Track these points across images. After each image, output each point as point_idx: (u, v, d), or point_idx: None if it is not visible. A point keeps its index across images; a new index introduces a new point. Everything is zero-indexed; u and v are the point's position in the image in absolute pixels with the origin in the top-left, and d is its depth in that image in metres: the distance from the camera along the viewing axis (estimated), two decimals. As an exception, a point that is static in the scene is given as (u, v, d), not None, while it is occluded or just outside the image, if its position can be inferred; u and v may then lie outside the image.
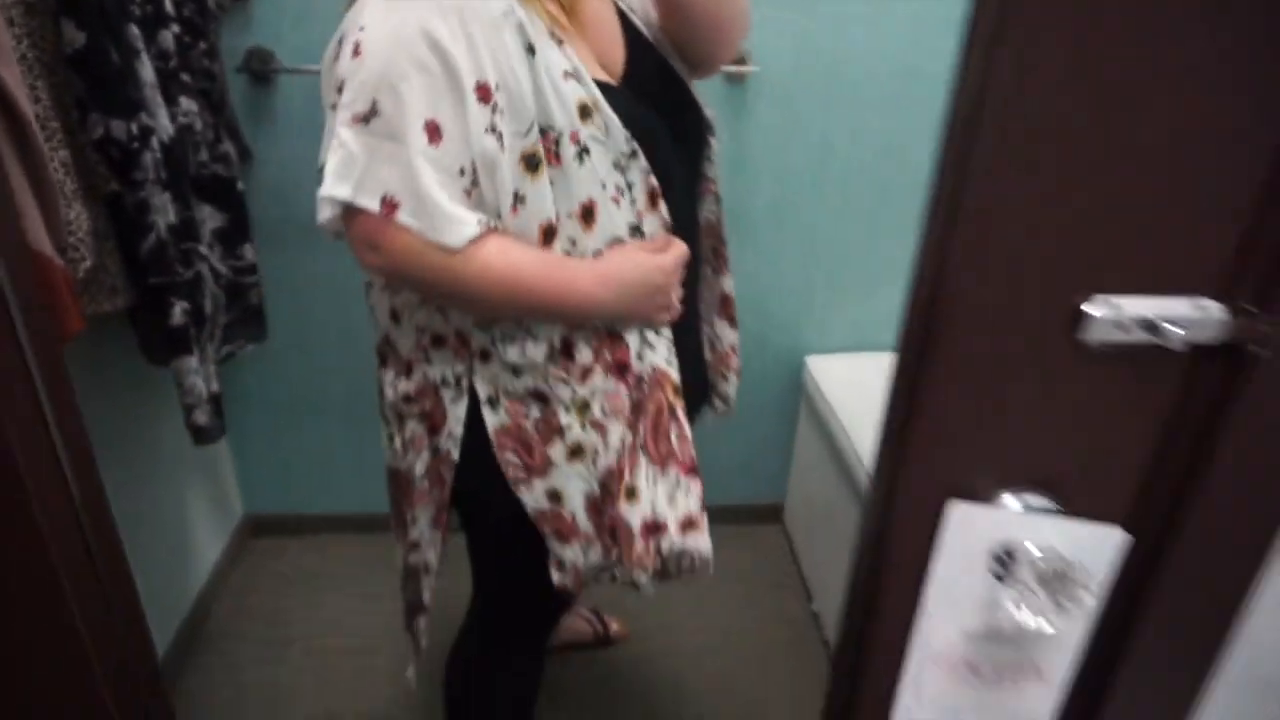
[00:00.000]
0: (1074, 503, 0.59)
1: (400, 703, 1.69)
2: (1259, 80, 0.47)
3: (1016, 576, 0.57)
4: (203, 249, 1.47)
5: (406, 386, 1.02)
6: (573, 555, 1.02)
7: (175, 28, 1.38)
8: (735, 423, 2.06)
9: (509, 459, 0.98)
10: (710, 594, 1.99)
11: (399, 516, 1.12)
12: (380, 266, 0.89)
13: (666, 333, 0.99)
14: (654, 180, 0.93)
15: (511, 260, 0.88)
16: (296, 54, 1.61)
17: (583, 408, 0.97)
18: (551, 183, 0.88)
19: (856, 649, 0.68)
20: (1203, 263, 0.51)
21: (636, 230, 0.94)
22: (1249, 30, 0.45)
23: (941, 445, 0.57)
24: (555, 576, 1.03)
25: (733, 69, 1.66)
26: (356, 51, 0.83)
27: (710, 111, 1.09)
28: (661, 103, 1.00)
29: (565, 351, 0.95)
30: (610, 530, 1.00)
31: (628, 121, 0.90)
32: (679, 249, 0.96)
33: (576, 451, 0.98)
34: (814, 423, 1.94)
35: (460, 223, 0.85)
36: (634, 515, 0.98)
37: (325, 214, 0.87)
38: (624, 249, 0.94)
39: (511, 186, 0.87)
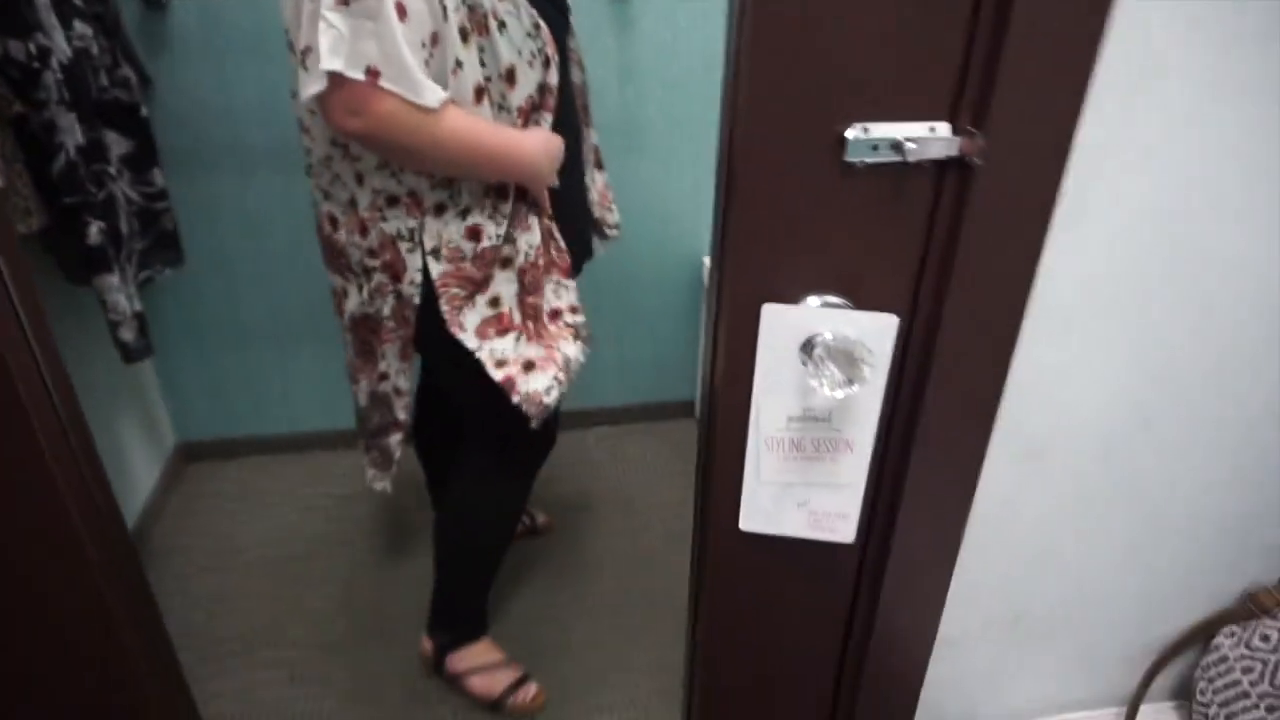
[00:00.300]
0: (863, 299, 0.74)
1: (345, 602, 1.82)
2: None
3: (815, 359, 0.72)
4: (112, 171, 1.52)
5: (366, 243, 1.21)
6: (509, 345, 1.27)
7: (63, -49, 1.41)
8: (642, 325, 2.21)
9: (452, 293, 1.22)
10: (630, 484, 2.16)
11: (367, 355, 1.35)
12: (361, 129, 1.05)
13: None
14: (551, 48, 1.15)
15: (472, 123, 1.10)
16: (188, -24, 1.65)
17: (508, 236, 1.23)
18: (481, 50, 1.09)
19: (708, 442, 0.83)
20: (934, 94, 0.66)
21: (543, 88, 1.17)
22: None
23: (752, 259, 0.71)
24: (496, 374, 1.25)
25: (615, -18, 1.75)
26: None
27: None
28: None
29: (499, 190, 1.20)
30: (531, 314, 1.28)
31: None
32: (560, 139, 1.22)
33: (507, 262, 1.24)
34: (714, 317, 2.09)
35: (432, 89, 1.03)
36: (546, 305, 1.30)
37: (314, 89, 1.02)
38: (539, 130, 1.19)
39: (452, 54, 1.06)
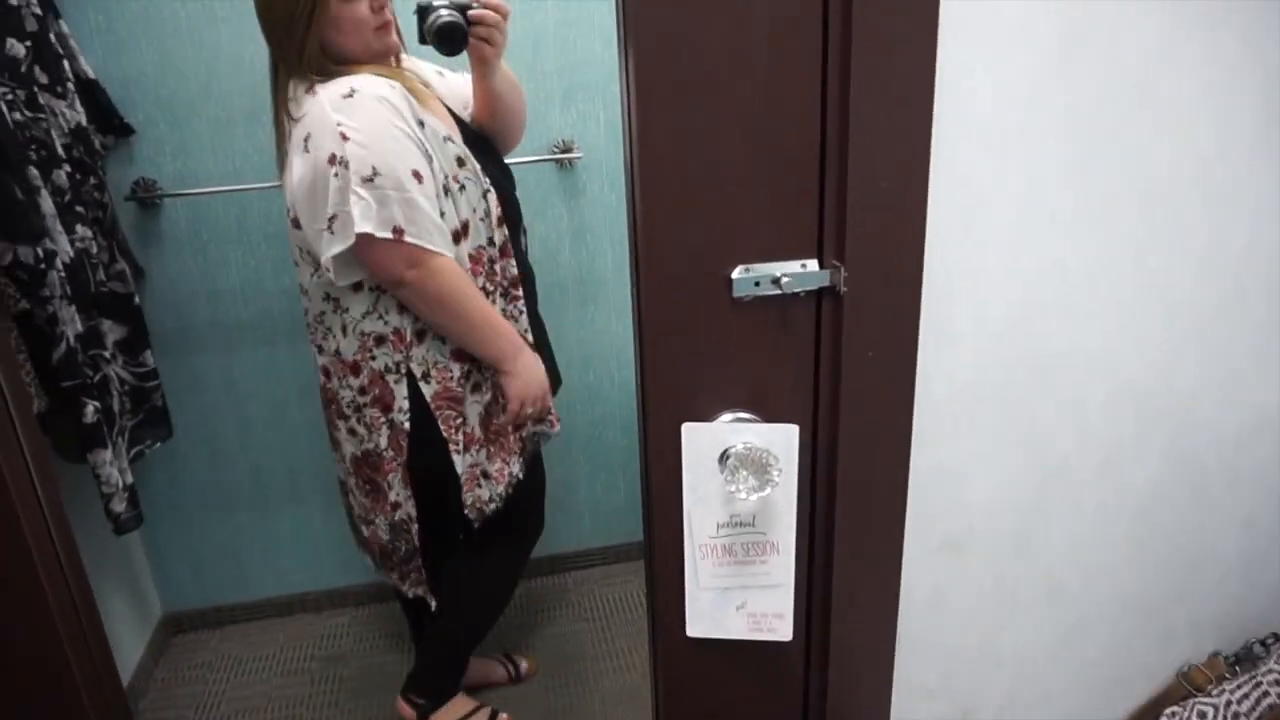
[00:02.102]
0: (770, 413, 0.85)
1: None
2: (798, 127, 0.75)
3: (729, 469, 0.82)
4: (107, 354, 1.65)
5: (357, 382, 1.40)
6: (473, 458, 1.47)
7: (67, 167, 1.58)
8: (614, 467, 2.30)
9: (447, 414, 1.42)
10: (611, 625, 2.18)
11: (376, 492, 1.50)
12: (411, 279, 1.30)
13: (518, 308, 1.52)
14: (498, 208, 1.40)
15: (470, 282, 1.38)
16: (177, 181, 1.84)
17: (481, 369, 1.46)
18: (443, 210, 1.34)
19: (650, 554, 0.92)
20: (802, 236, 0.79)
21: (490, 241, 1.42)
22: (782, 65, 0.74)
23: (668, 384, 0.83)
24: (464, 479, 1.46)
25: (562, 156, 1.96)
26: (344, 138, 1.24)
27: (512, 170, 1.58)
28: (485, 164, 1.42)
29: None
30: (492, 435, 1.50)
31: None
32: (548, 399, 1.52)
33: (477, 387, 1.46)
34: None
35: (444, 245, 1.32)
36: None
37: (338, 248, 1.28)
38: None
39: (439, 208, 1.33)
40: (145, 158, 1.82)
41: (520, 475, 1.54)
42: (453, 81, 1.55)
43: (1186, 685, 1.12)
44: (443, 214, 1.33)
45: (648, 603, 0.97)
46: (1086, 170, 0.83)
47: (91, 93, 1.70)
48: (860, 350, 0.82)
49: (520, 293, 1.50)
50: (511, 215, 1.48)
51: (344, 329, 1.40)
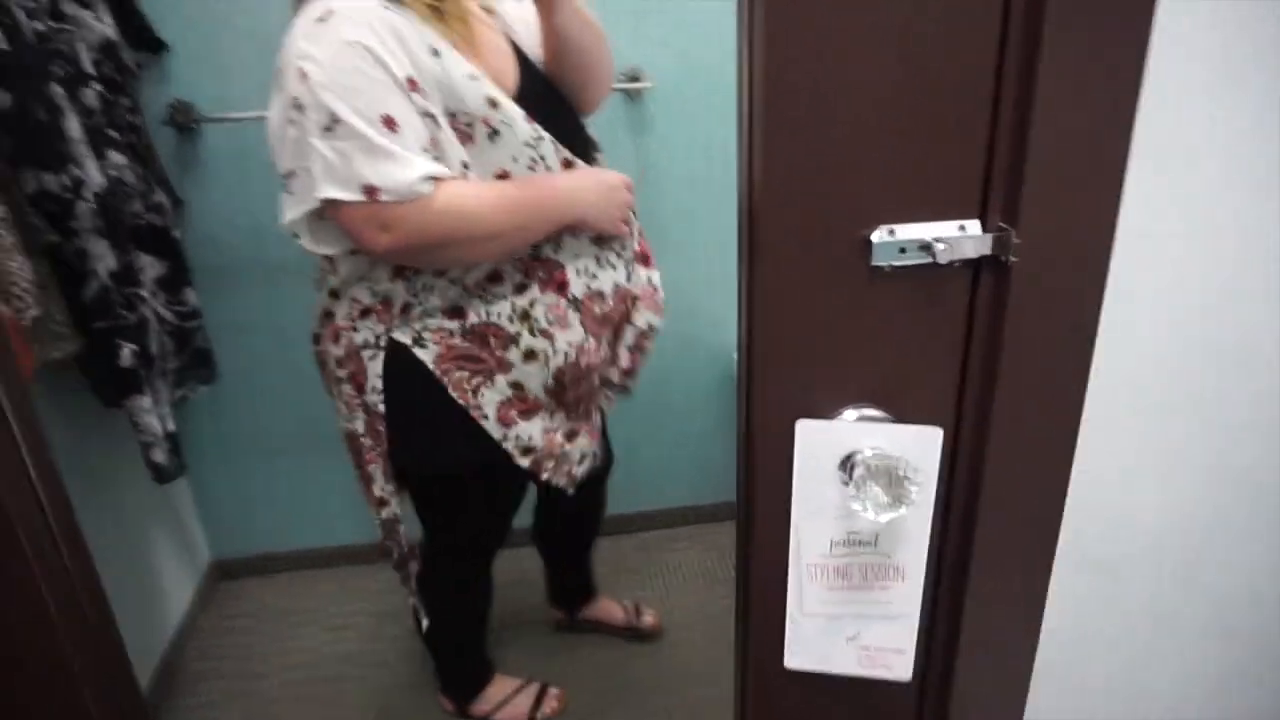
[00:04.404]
0: (905, 411, 0.68)
1: (374, 720, 1.74)
2: (967, 48, 0.57)
3: (856, 480, 0.66)
4: (145, 294, 1.53)
5: (337, 351, 1.22)
6: (531, 428, 1.25)
7: (96, 85, 1.45)
8: (676, 426, 2.15)
9: (458, 375, 1.19)
10: (671, 593, 2.07)
11: (365, 480, 1.32)
12: (388, 244, 1.06)
13: (609, 268, 1.24)
14: (565, 151, 1.14)
15: (481, 184, 1.10)
16: (216, 104, 1.69)
17: (524, 316, 1.17)
18: (468, 160, 1.09)
19: (745, 573, 0.76)
20: (962, 191, 0.61)
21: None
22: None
23: (781, 373, 0.66)
24: (524, 462, 1.24)
25: (629, 86, 1.77)
26: (303, 75, 1.01)
27: (593, 133, 1.31)
28: (551, 119, 1.16)
29: (492, 278, 1.17)
30: (566, 405, 1.27)
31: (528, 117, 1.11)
32: (621, 175, 1.21)
33: (530, 355, 1.20)
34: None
35: (430, 173, 1.03)
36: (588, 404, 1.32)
37: (293, 214, 1.11)
38: (581, 170, 1.16)
39: (456, 157, 1.08)
40: (181, 78, 1.68)
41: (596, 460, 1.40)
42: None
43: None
44: (466, 165, 1.09)
45: (737, 627, 0.82)
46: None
47: (122, 3, 1.55)
48: (1025, 338, 0.64)
49: (618, 235, 1.26)
50: None
51: (333, 294, 1.22)
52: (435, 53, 1.05)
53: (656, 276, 1.39)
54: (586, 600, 1.93)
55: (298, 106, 1.03)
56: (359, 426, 1.25)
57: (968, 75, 0.58)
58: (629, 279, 1.29)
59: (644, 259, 1.37)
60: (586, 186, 1.16)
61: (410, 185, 1.03)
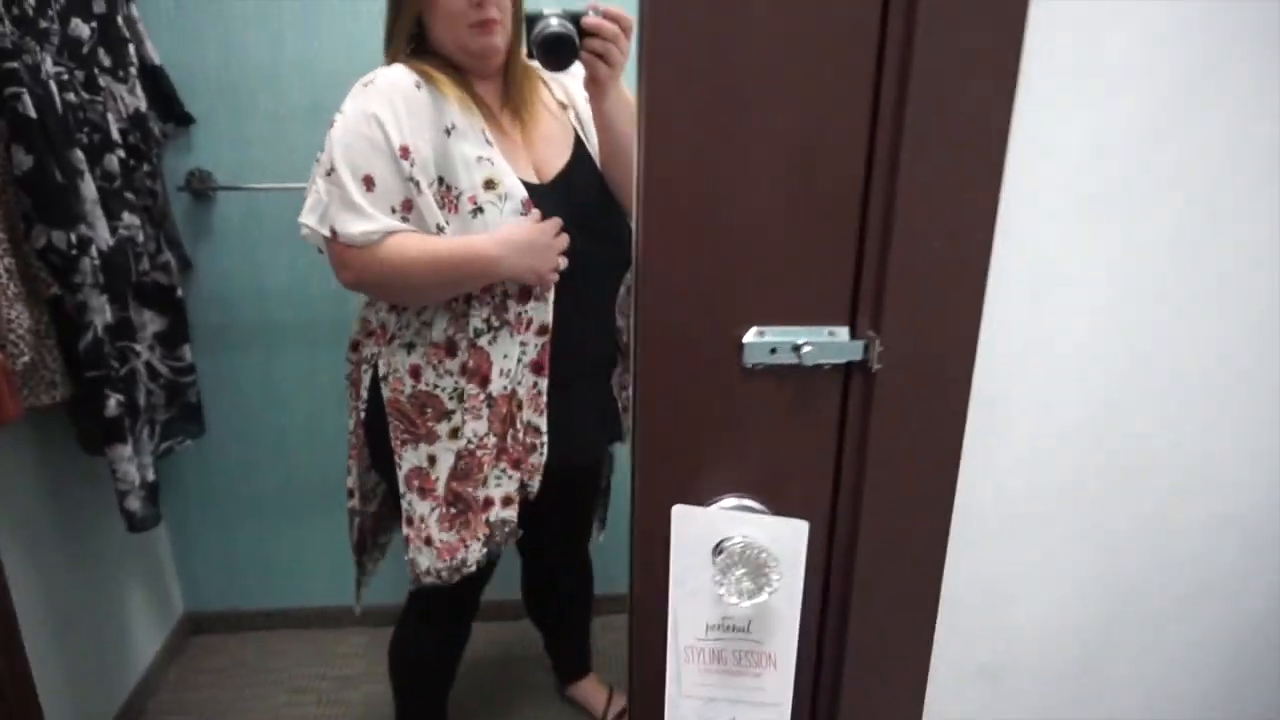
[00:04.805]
0: (780, 503, 0.71)
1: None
2: (837, 163, 0.62)
3: (719, 564, 0.68)
4: (139, 348, 1.61)
5: (352, 356, 1.41)
6: (424, 510, 1.33)
7: (120, 152, 1.57)
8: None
9: (395, 424, 1.33)
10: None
11: (347, 468, 1.46)
12: (348, 280, 1.25)
13: (518, 349, 1.28)
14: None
15: (423, 240, 1.22)
16: (233, 174, 1.81)
17: (461, 397, 1.30)
18: (446, 224, 1.22)
19: (631, 652, 0.79)
20: (832, 299, 0.65)
21: None
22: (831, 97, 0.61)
23: (663, 459, 0.70)
24: (405, 529, 1.33)
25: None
26: (332, 125, 1.22)
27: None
28: (586, 210, 1.29)
29: (448, 347, 1.29)
30: (454, 498, 1.33)
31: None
32: (553, 220, 1.25)
33: (455, 434, 1.31)
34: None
35: (379, 230, 1.20)
36: (479, 493, 1.32)
37: (303, 232, 1.27)
38: (510, 223, 1.23)
39: (432, 220, 1.21)
40: (203, 148, 1.80)
41: (473, 568, 1.35)
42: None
43: None
44: (441, 228, 1.22)
45: (630, 707, 0.84)
46: (1202, 245, 0.67)
47: (155, 79, 1.69)
48: (892, 440, 0.67)
49: (528, 342, 1.28)
50: (579, 279, 1.28)
51: (359, 309, 1.41)
52: (448, 131, 1.21)
53: (545, 385, 1.35)
54: (575, 677, 1.94)
55: (323, 148, 1.22)
56: (351, 424, 1.43)
57: (839, 190, 0.63)
58: (521, 384, 1.31)
59: (538, 368, 1.34)
60: (512, 244, 1.21)
61: (362, 234, 1.20)
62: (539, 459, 1.34)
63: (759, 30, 0.58)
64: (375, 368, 1.33)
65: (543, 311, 1.28)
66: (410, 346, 1.30)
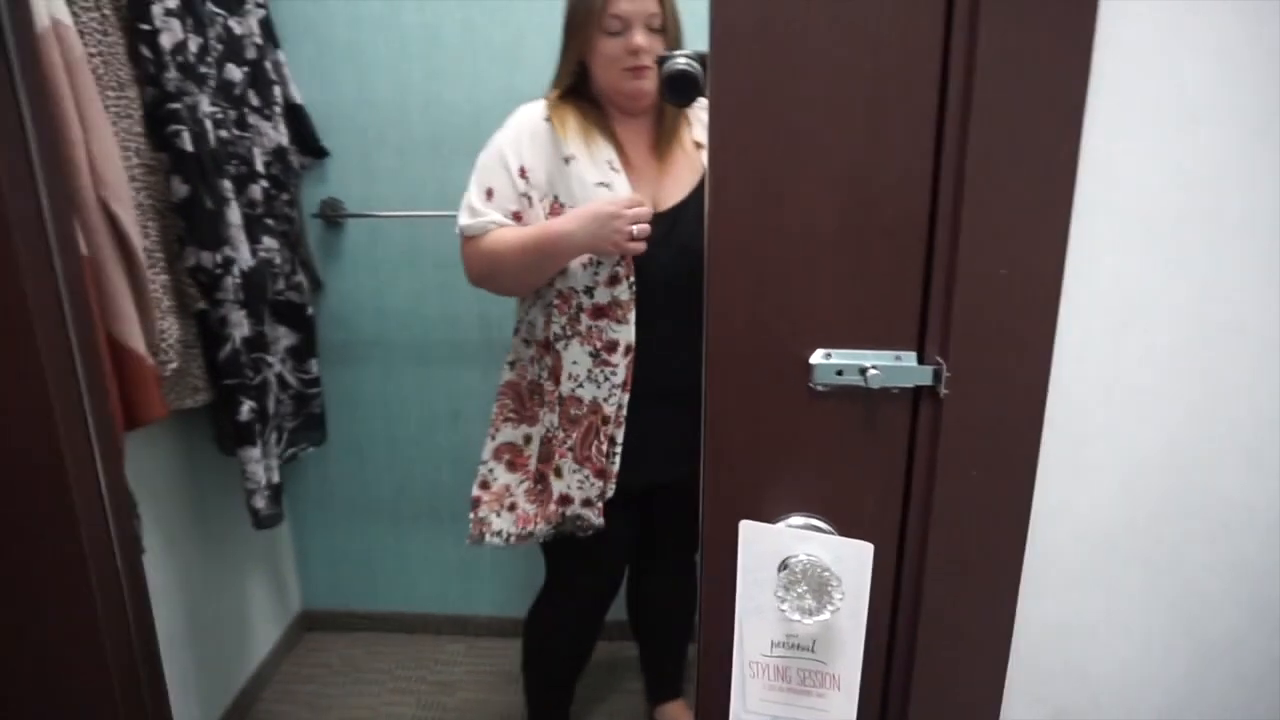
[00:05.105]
0: (845, 524, 0.72)
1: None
2: (904, 194, 0.64)
3: (782, 580, 0.70)
4: (271, 360, 1.75)
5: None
6: (511, 481, 1.51)
7: (264, 183, 1.72)
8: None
9: (505, 403, 1.52)
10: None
11: None
12: (469, 274, 1.44)
13: (610, 372, 1.40)
14: (620, 268, 1.37)
15: (516, 229, 1.39)
16: (362, 202, 1.95)
17: (544, 391, 1.48)
18: None
19: (699, 665, 0.81)
20: (901, 325, 0.67)
21: (589, 290, 1.39)
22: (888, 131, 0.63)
23: (732, 476, 0.72)
24: (479, 492, 1.52)
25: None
26: (484, 148, 1.43)
27: None
28: (694, 238, 1.31)
29: (545, 345, 1.46)
30: (539, 477, 1.49)
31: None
32: (626, 195, 1.35)
33: (543, 421, 1.48)
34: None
35: (484, 222, 1.39)
36: (556, 486, 1.45)
37: (457, 229, 1.44)
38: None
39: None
40: (336, 179, 1.95)
41: (539, 539, 1.51)
42: None
43: None
44: None
45: (696, 712, 0.86)
46: (1290, 280, 0.65)
47: (296, 117, 1.85)
48: (961, 467, 0.68)
49: (614, 363, 1.39)
50: (655, 295, 1.38)
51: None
52: (567, 160, 1.37)
53: (626, 399, 1.44)
54: (664, 698, 1.95)
55: (448, 179, 1.48)
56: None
57: (906, 219, 0.65)
58: (608, 400, 1.41)
59: (624, 386, 1.43)
60: (575, 226, 1.34)
61: (471, 225, 1.40)
62: (611, 466, 1.44)
63: (819, 65, 0.61)
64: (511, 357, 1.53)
65: (626, 332, 1.39)
66: (527, 342, 1.49)
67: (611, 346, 1.40)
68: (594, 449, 1.43)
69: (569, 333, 1.41)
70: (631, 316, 1.38)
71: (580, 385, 1.42)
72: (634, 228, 1.31)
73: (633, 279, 1.37)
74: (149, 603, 1.03)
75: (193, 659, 1.79)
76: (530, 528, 1.48)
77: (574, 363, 1.41)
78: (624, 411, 1.42)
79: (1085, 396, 0.68)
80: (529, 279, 1.41)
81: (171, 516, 1.74)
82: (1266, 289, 0.65)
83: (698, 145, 1.47)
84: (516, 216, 1.39)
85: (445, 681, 2.12)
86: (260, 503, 1.71)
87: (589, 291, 1.39)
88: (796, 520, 0.73)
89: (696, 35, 1.37)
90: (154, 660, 1.04)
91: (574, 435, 1.44)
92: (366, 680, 2.13)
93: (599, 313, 1.39)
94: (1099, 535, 0.72)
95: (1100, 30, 0.59)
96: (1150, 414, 0.69)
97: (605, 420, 1.42)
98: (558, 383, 1.43)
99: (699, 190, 1.42)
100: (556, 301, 1.41)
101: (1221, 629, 0.75)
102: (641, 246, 1.33)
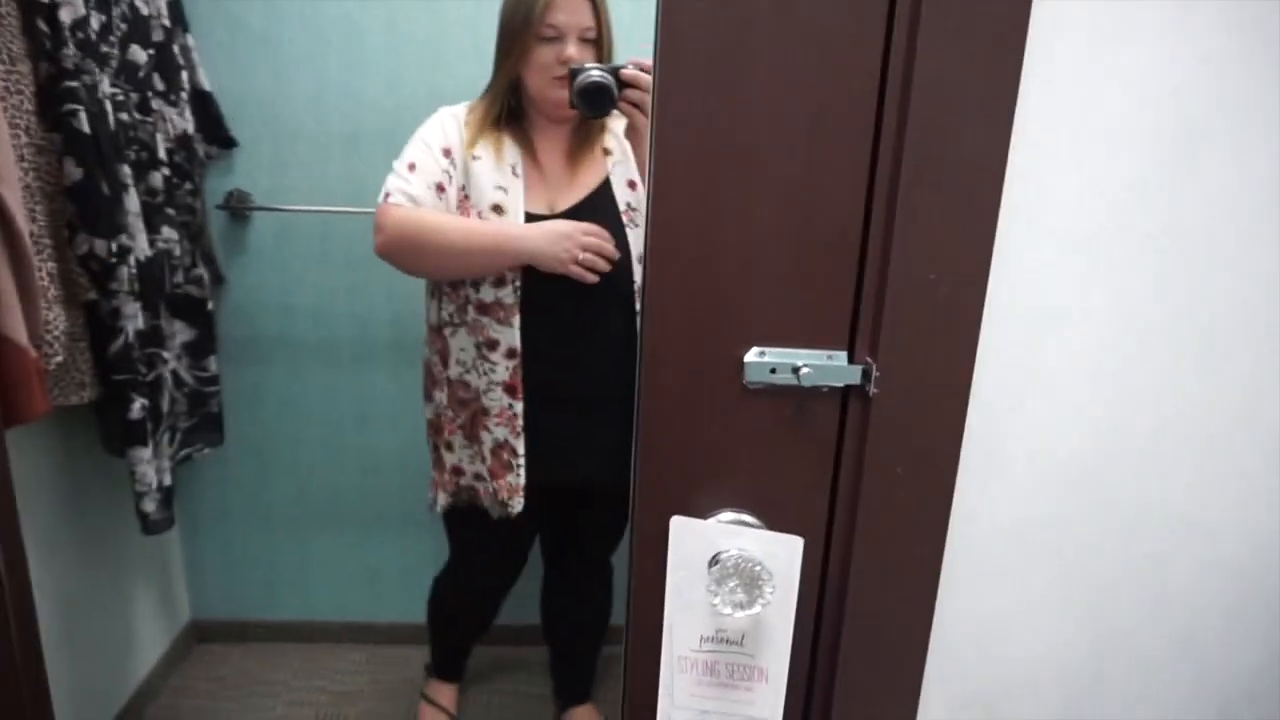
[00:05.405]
0: (776, 519, 0.74)
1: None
2: (838, 201, 0.66)
3: (714, 575, 0.71)
4: (167, 356, 1.67)
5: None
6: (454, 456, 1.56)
7: (166, 170, 1.63)
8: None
9: (424, 381, 1.61)
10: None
11: None
12: (380, 242, 1.40)
13: (489, 368, 1.45)
14: (509, 270, 1.41)
15: (457, 216, 1.42)
16: (270, 196, 1.88)
17: (434, 371, 1.57)
18: None
19: (627, 662, 0.81)
20: (834, 326, 0.69)
21: (476, 285, 1.43)
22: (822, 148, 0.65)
23: (663, 471, 0.73)
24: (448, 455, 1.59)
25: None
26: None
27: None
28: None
29: (436, 329, 1.52)
30: (434, 447, 1.60)
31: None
32: (593, 225, 1.39)
33: (437, 396, 1.57)
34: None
35: (416, 193, 1.40)
36: (448, 458, 1.56)
37: (381, 196, 1.44)
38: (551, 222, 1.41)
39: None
40: (244, 171, 1.87)
41: (441, 508, 1.60)
42: None
43: None
44: None
45: (621, 711, 0.86)
46: (1195, 291, 0.70)
47: (204, 104, 1.77)
48: (886, 464, 0.70)
49: (494, 360, 1.44)
50: (567, 306, 1.42)
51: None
52: (474, 157, 1.42)
53: (520, 407, 1.46)
54: (572, 702, 1.94)
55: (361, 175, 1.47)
56: None
57: (841, 222, 0.67)
58: (487, 393, 1.46)
59: (511, 390, 1.46)
60: (537, 233, 1.37)
61: (398, 190, 1.40)
62: (516, 480, 1.46)
63: (762, 76, 0.63)
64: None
65: (509, 335, 1.42)
66: (427, 326, 1.55)
67: (493, 345, 1.43)
68: (488, 454, 1.50)
69: (456, 321, 1.47)
70: (516, 320, 1.41)
71: (467, 371, 1.48)
72: (585, 255, 1.35)
73: (519, 284, 1.41)
74: (33, 604, 0.96)
75: (72, 672, 1.68)
76: (433, 494, 1.61)
77: (461, 349, 1.48)
78: (519, 419, 1.45)
79: (1004, 398, 0.72)
80: (454, 264, 1.41)
81: (51, 520, 1.62)
82: (1177, 298, 0.70)
83: (606, 152, 1.50)
84: (440, 190, 1.41)
85: (346, 692, 2.05)
86: (150, 506, 1.62)
87: (475, 286, 1.43)
88: (727, 516, 0.75)
89: (630, 46, 1.40)
90: (36, 664, 0.97)
91: (462, 415, 1.52)
92: (261, 693, 2.04)
93: (483, 309, 1.43)
94: (1014, 531, 0.76)
95: (1028, 57, 0.62)
96: (1065, 416, 0.73)
97: (484, 412, 1.46)
98: (446, 366, 1.51)
99: (598, 195, 1.46)
100: (447, 290, 1.46)
101: (1123, 619, 0.80)
102: (589, 276, 1.37)
